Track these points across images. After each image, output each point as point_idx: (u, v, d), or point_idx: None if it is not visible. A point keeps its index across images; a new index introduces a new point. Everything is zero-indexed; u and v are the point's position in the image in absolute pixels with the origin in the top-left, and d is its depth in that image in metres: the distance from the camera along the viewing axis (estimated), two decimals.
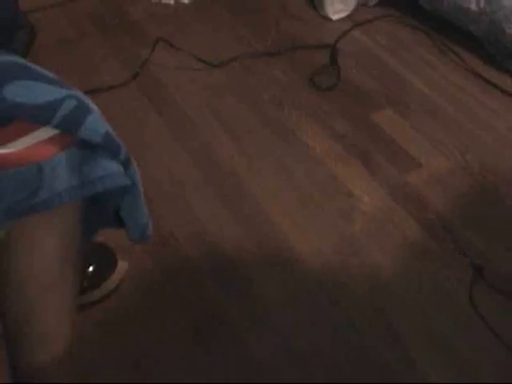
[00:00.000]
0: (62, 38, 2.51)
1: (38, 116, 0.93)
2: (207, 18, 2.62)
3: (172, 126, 2.11)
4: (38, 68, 1.02)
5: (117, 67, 2.35)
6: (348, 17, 2.58)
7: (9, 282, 1.06)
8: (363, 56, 2.41)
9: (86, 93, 1.04)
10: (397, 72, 2.33)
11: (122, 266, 1.64)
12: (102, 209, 1.10)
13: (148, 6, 2.69)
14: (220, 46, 2.46)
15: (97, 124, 0.97)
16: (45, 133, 0.93)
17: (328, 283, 1.65)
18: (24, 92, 0.94)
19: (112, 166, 0.99)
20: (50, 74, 1.02)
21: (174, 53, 2.39)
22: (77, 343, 1.17)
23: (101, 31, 2.56)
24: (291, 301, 1.61)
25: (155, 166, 1.95)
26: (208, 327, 1.56)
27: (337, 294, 1.62)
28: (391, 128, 2.09)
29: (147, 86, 2.27)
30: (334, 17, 2.57)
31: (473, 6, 2.31)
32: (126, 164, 1.01)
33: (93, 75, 2.28)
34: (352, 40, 2.47)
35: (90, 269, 1.58)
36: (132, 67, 2.33)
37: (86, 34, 2.54)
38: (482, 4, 2.29)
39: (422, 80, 2.28)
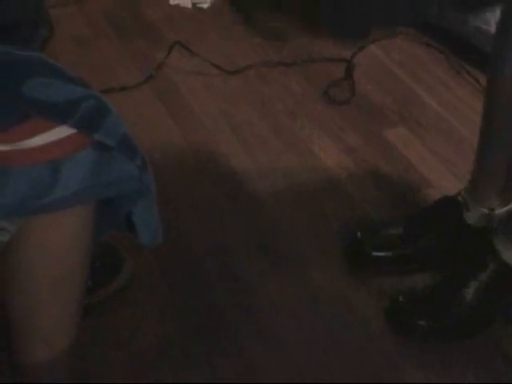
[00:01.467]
0: (78, 35, 2.51)
1: (56, 114, 0.92)
2: (224, 24, 2.62)
3: (184, 131, 2.10)
4: (59, 65, 1.01)
5: (131, 68, 2.35)
6: None
7: (15, 277, 1.05)
8: (379, 72, 2.40)
9: (99, 92, 1.03)
10: (412, 90, 2.32)
11: (129, 265, 1.63)
12: (113, 211, 1.09)
13: (166, 8, 2.69)
14: (236, 53, 2.46)
15: (115, 126, 0.96)
16: (62, 131, 0.92)
17: None
18: (43, 89, 0.93)
19: (128, 170, 0.98)
20: (71, 72, 1.01)
21: (190, 57, 2.38)
22: (79, 342, 1.17)
23: (117, 31, 2.56)
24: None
25: (164, 168, 1.94)
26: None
27: None
28: (403, 146, 2.08)
29: (161, 89, 2.27)
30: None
31: (492, 29, 2.30)
32: (142, 168, 1.00)
33: (106, 75, 2.28)
34: (368, 55, 2.46)
35: (96, 267, 1.57)
36: (146, 69, 2.33)
37: (102, 33, 2.54)
38: None
39: (437, 99, 2.28)
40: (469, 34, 2.42)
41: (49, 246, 1.01)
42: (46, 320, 1.08)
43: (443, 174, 1.98)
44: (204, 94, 2.26)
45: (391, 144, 2.09)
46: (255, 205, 1.86)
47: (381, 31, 2.55)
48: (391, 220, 1.76)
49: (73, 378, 1.20)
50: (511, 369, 1.49)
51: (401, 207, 1.87)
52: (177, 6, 2.70)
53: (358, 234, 1.71)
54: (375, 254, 1.68)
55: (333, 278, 1.67)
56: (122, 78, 2.28)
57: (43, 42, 2.29)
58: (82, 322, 1.16)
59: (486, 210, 1.64)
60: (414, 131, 2.14)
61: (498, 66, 1.50)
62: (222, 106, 2.21)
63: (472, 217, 1.65)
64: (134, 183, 1.00)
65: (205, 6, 2.70)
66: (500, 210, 1.63)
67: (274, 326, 1.56)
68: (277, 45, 2.50)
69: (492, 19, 2.30)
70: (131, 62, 2.39)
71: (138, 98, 2.22)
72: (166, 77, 2.32)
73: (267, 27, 2.60)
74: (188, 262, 1.70)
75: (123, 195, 1.01)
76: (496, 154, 1.60)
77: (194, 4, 2.70)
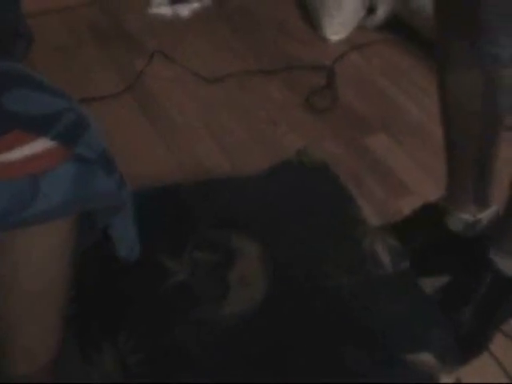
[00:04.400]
0: (58, 45, 2.50)
1: (36, 127, 0.91)
2: (204, 32, 2.62)
3: (164, 139, 2.10)
4: (40, 77, 1.00)
5: (111, 77, 2.34)
6: (346, 38, 2.58)
7: None
8: (360, 79, 2.41)
9: (79, 101, 1.02)
10: (392, 97, 2.32)
11: None
12: (91, 225, 1.08)
13: (146, 17, 2.69)
14: (216, 61, 2.45)
15: (95, 140, 0.95)
16: (42, 144, 0.91)
17: None
18: (23, 101, 0.92)
19: (107, 185, 0.97)
20: (52, 84, 1.00)
21: (170, 66, 2.38)
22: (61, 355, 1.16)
23: (97, 40, 2.55)
24: None
25: (145, 178, 1.93)
26: None
27: None
28: (384, 153, 2.09)
29: (141, 98, 2.26)
30: (333, 38, 2.57)
31: None
32: (119, 184, 1.00)
33: (87, 84, 2.27)
34: (349, 62, 2.47)
35: None
36: (127, 78, 2.32)
37: (82, 42, 2.53)
38: None
39: (417, 106, 2.28)
40: None
41: (30, 259, 1.01)
42: (27, 333, 1.07)
43: (424, 181, 1.98)
44: (184, 103, 2.25)
45: (372, 151, 2.09)
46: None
47: (360, 37, 2.57)
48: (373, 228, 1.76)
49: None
50: None
51: (382, 214, 1.87)
52: (157, 15, 2.69)
53: None
54: None
55: None
56: (103, 87, 2.27)
57: (23, 52, 2.27)
58: (64, 334, 1.15)
59: (466, 216, 1.64)
60: (395, 138, 2.15)
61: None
62: (203, 115, 2.21)
63: (454, 222, 1.65)
64: (113, 198, 0.99)
65: (185, 13, 2.70)
66: (481, 215, 1.64)
67: None
68: (257, 53, 2.50)
69: None
70: (111, 70, 2.38)
71: (118, 107, 2.21)
72: (147, 85, 2.32)
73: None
74: None
75: (101, 209, 1.01)
76: (461, 157, 1.61)
77: (174, 12, 2.70)
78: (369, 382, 1.46)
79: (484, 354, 1.55)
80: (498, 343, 1.57)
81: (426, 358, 1.49)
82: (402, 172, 2.01)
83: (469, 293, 1.56)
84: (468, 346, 1.54)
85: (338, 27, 2.56)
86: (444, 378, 1.48)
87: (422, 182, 1.98)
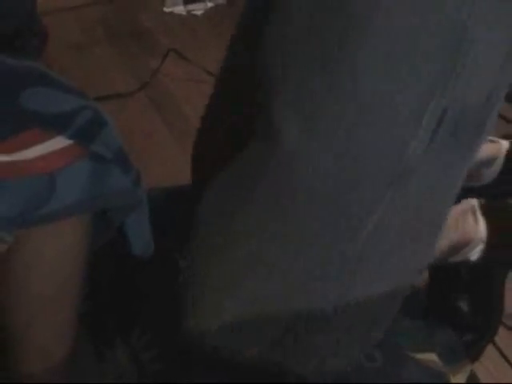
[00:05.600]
0: (73, 43, 2.51)
1: (52, 125, 0.92)
2: (219, 31, 2.62)
3: (178, 138, 2.10)
4: (56, 75, 1.01)
5: (126, 76, 2.35)
6: None
7: (12, 287, 1.05)
8: None
9: (93, 100, 1.03)
10: None
11: None
12: (106, 222, 1.09)
13: (160, 15, 2.69)
14: None
15: (111, 138, 0.96)
16: (58, 143, 0.92)
17: None
18: (40, 99, 0.93)
19: (122, 183, 0.98)
20: (68, 82, 1.01)
21: (185, 64, 2.38)
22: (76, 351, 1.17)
23: (112, 38, 2.55)
24: None
25: (159, 177, 1.94)
26: None
27: None
28: None
29: (155, 97, 2.27)
30: None
31: None
32: (135, 182, 1.01)
33: (101, 82, 2.28)
34: None
35: None
36: (141, 76, 2.33)
37: (96, 41, 2.54)
38: None
39: None
40: None
41: (46, 256, 1.01)
42: (42, 330, 1.08)
43: None
44: (199, 101, 2.25)
45: None
46: None
47: None
48: None
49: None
50: None
51: None
52: (171, 13, 2.70)
53: None
54: None
55: None
56: (117, 86, 2.28)
57: (37, 49, 2.29)
58: (78, 331, 1.16)
59: None
60: None
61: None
62: None
63: None
64: (129, 196, 1.00)
65: (199, 12, 2.70)
66: None
67: None
68: None
69: None
70: (126, 69, 2.38)
71: (132, 106, 2.22)
72: (161, 84, 2.32)
73: None
74: None
75: (116, 207, 1.01)
76: None
77: (188, 11, 2.71)
78: (383, 382, 1.47)
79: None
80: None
81: (432, 358, 1.50)
82: None
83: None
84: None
85: None
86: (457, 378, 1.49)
87: None
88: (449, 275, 1.56)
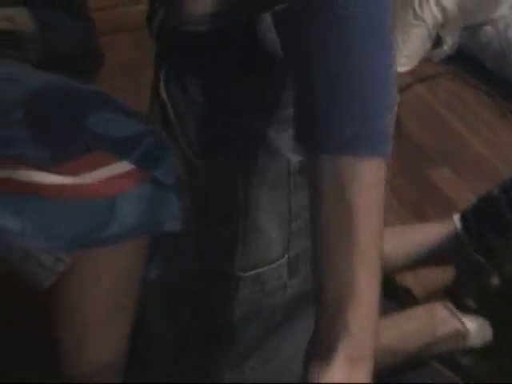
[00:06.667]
0: (126, 63, 2.53)
1: (116, 149, 0.94)
2: None
3: None
4: (118, 99, 1.03)
5: None
6: (412, 71, 2.58)
7: (67, 307, 1.06)
8: (424, 111, 2.40)
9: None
10: (456, 130, 2.32)
11: None
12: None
13: None
14: None
15: (171, 164, 0.97)
16: (121, 167, 0.94)
17: None
18: (105, 124, 0.95)
19: (175, 210, 0.99)
20: (129, 107, 1.03)
21: None
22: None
23: None
24: None
25: None
26: None
27: None
28: (447, 186, 2.08)
29: None
30: (399, 70, 2.57)
31: None
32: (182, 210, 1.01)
33: None
34: (415, 94, 2.46)
35: None
36: None
37: (150, 61, 2.55)
38: None
39: (482, 142, 2.27)
40: None
41: (101, 277, 1.03)
42: (94, 351, 1.09)
43: None
44: None
45: (435, 184, 2.09)
46: None
47: (426, 69, 2.56)
48: None
49: None
50: None
51: None
52: None
53: None
54: None
55: None
56: None
57: (93, 70, 2.31)
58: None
59: None
60: (459, 172, 2.14)
61: None
62: None
63: None
64: (178, 224, 1.00)
65: None
66: None
67: None
68: None
69: None
70: None
71: None
72: None
73: None
74: None
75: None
76: None
77: None
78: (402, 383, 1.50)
79: None
80: None
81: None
82: (464, 206, 2.00)
83: None
84: None
85: (404, 59, 2.55)
86: None
87: None
88: None
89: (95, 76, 2.34)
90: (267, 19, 0.89)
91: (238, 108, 0.95)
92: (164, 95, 1.01)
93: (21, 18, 1.77)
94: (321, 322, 0.78)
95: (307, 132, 0.80)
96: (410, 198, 2.02)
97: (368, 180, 0.81)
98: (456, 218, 1.77)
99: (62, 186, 0.92)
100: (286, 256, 1.04)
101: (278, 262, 1.04)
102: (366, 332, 0.77)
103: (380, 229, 0.81)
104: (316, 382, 0.75)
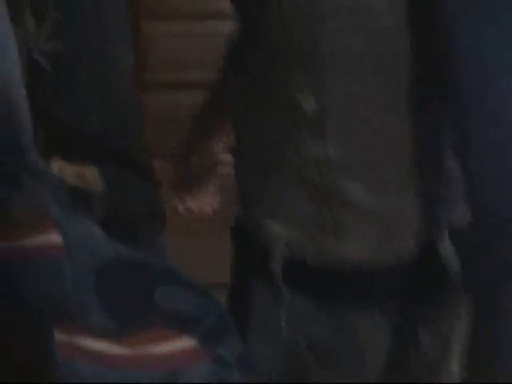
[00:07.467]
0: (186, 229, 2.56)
1: (181, 325, 0.95)
2: None
3: None
4: (182, 273, 1.05)
5: None
6: None
7: None
8: None
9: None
10: None
11: None
12: None
13: None
14: None
15: (235, 342, 0.98)
16: (184, 343, 0.94)
17: None
18: (171, 298, 0.97)
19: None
20: (193, 280, 1.05)
21: None
22: None
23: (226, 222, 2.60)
24: None
25: None
26: None
27: None
28: None
29: None
30: None
31: None
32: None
33: (215, 270, 2.31)
34: None
35: None
36: None
37: (212, 227, 2.59)
38: None
39: None
40: None
41: None
42: None
43: None
44: None
45: None
46: None
47: None
48: None
49: None
50: None
51: None
52: None
53: None
54: None
55: None
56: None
57: (154, 236, 2.35)
58: None
59: None
60: None
61: None
62: None
63: None
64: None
65: None
66: None
67: None
68: None
69: None
70: None
71: None
72: None
73: None
74: None
75: None
76: None
77: None
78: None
79: None
80: None
81: None
82: None
83: None
84: None
85: None
86: None
87: None
88: None
89: (159, 237, 2.38)
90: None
91: None
92: None
93: (91, 177, 1.83)
94: None
95: None
96: None
97: None
98: None
99: (123, 357, 0.93)
100: None
101: None
102: None
103: None
104: None
